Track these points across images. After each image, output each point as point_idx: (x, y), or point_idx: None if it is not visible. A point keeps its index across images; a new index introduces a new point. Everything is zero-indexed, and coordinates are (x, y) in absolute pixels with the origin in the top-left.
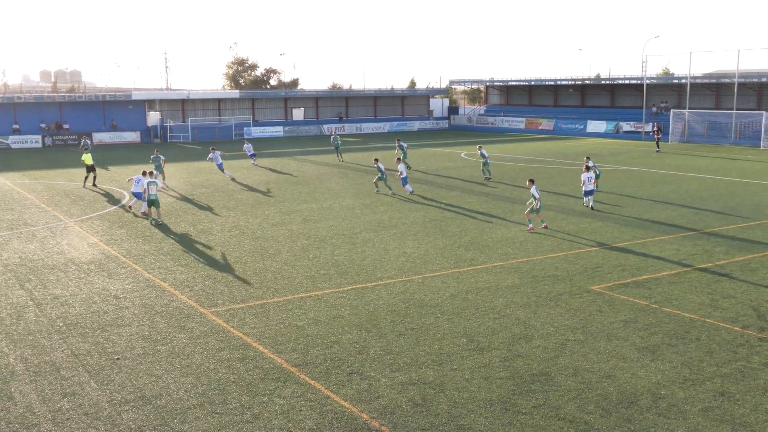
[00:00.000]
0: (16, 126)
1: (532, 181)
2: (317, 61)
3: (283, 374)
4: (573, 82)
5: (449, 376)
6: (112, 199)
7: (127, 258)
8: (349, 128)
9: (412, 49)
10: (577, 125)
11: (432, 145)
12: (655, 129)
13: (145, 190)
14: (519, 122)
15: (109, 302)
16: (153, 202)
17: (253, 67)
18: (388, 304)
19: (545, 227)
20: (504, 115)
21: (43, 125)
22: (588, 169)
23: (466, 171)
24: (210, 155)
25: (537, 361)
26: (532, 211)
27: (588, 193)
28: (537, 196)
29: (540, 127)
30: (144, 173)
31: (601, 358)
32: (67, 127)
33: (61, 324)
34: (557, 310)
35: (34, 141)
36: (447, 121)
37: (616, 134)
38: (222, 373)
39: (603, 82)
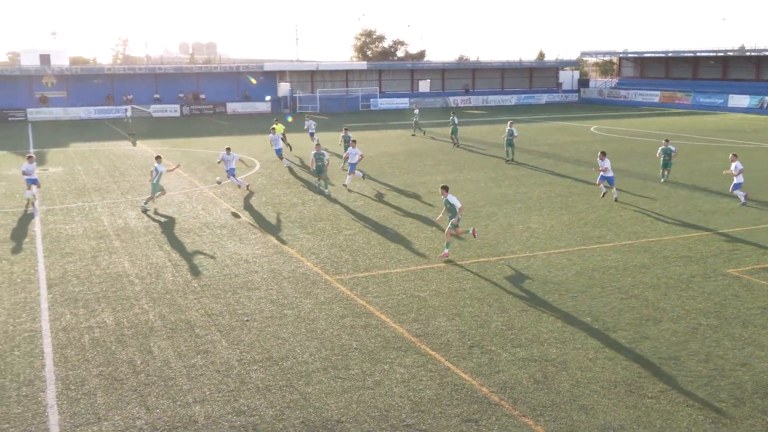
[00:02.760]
0: (157, 96)
1: (446, 189)
2: (444, 33)
3: (404, 343)
4: (714, 54)
5: (572, 355)
6: (244, 167)
7: (257, 224)
8: (475, 100)
9: (542, 21)
10: (716, 99)
11: (560, 119)
12: None
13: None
14: (653, 96)
15: (240, 266)
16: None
17: (381, 38)
18: (511, 279)
19: (473, 233)
20: (637, 89)
21: (181, 95)
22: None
23: (595, 146)
24: (306, 123)
25: (666, 345)
26: (453, 227)
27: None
28: (458, 205)
29: (676, 101)
30: (228, 150)
31: (736, 344)
32: (203, 97)
33: (195, 285)
34: (689, 293)
35: (173, 110)
36: (576, 94)
37: (761, 109)
38: (345, 339)
39: (748, 53)
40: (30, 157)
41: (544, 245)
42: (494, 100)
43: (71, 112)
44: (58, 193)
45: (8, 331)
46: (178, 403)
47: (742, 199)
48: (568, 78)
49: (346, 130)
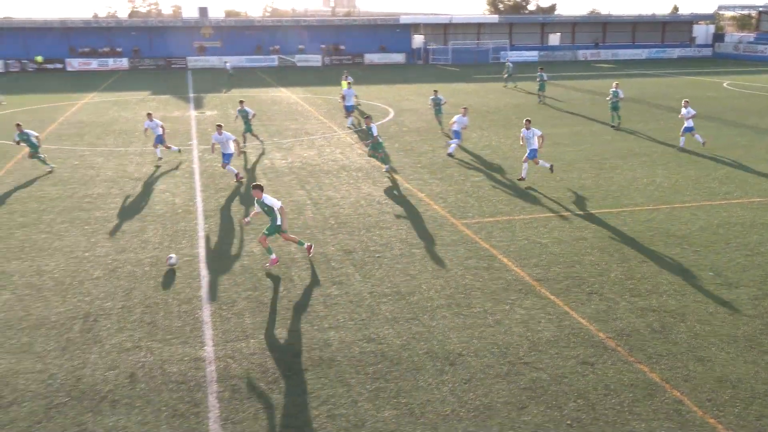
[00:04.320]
0: (301, 46)
1: (259, 189)
2: None
3: (524, 287)
4: None
5: (692, 308)
6: (380, 115)
7: (390, 168)
8: (604, 54)
9: None
10: None
11: (693, 74)
12: None
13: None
14: None
15: (373, 206)
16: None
17: None
18: (633, 230)
19: (309, 250)
20: None
21: (323, 46)
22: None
23: (728, 102)
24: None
25: None
26: (269, 233)
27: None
28: (277, 205)
29: None
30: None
31: None
32: (343, 48)
33: (333, 222)
34: None
35: (314, 60)
36: (710, 48)
37: None
38: (468, 279)
39: None
40: (219, 126)
41: (668, 199)
42: (624, 54)
43: (225, 60)
44: (213, 134)
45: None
46: (315, 327)
47: None
48: (702, 32)
49: (436, 92)
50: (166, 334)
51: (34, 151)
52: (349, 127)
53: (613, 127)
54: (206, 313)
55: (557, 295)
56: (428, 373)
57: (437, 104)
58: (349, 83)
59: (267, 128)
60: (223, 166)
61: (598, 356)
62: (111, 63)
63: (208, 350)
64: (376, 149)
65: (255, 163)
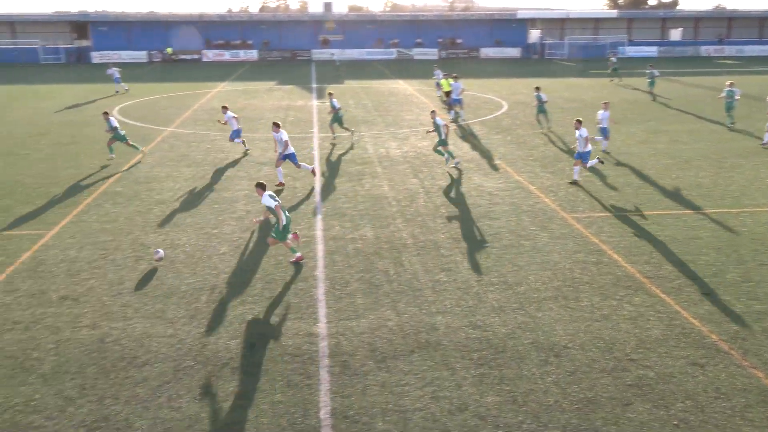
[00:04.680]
0: (419, 40)
1: (262, 187)
2: None
3: (634, 283)
4: None
5: None
6: (493, 107)
7: (501, 161)
8: (729, 50)
9: None
10: None
11: None
12: None
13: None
14: None
15: (483, 197)
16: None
17: None
18: (753, 232)
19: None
20: None
21: (440, 40)
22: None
23: None
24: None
25: None
26: (279, 235)
27: None
28: (273, 205)
29: None
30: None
31: None
32: (460, 42)
33: (443, 211)
34: None
35: (431, 53)
36: None
37: None
38: (577, 273)
39: None
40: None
41: None
42: (751, 50)
43: (347, 53)
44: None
45: (290, 236)
46: (424, 311)
47: None
48: None
49: (538, 89)
50: (284, 309)
51: (118, 138)
52: (452, 120)
53: (729, 127)
54: (320, 291)
55: (668, 294)
56: (532, 362)
57: (540, 102)
58: (455, 77)
59: (384, 118)
60: (277, 165)
61: (709, 358)
62: (242, 54)
63: (321, 327)
64: (442, 143)
65: (341, 155)
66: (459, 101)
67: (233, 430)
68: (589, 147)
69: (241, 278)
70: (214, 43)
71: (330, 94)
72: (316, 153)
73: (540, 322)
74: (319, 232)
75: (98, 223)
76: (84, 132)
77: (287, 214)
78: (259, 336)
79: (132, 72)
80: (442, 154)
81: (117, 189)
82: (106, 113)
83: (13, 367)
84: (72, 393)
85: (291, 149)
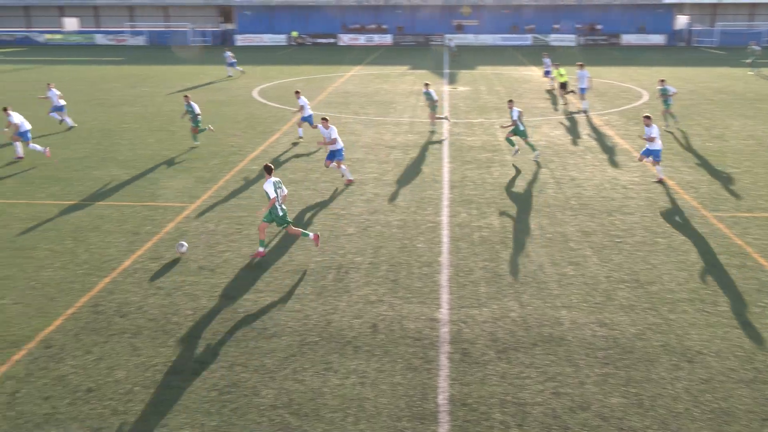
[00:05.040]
0: (556, 26)
1: (268, 170)
2: None
3: None
4: None
5: None
6: (632, 97)
7: (637, 153)
8: None
9: None
10: None
11: None
12: None
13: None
14: None
15: (617, 190)
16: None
17: None
18: None
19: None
20: None
21: (578, 26)
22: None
23: None
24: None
25: None
26: (272, 220)
27: None
28: (271, 196)
29: None
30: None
31: None
32: (599, 28)
33: (574, 203)
34: None
35: (569, 40)
36: None
37: None
38: (716, 275)
39: None
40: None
41: None
42: None
43: (481, 38)
44: (464, 109)
45: (417, 220)
46: (548, 304)
47: None
48: None
49: (662, 81)
50: (407, 292)
51: (195, 126)
52: (584, 111)
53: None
54: (444, 277)
55: None
56: (662, 366)
57: (665, 95)
58: (580, 65)
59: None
60: (326, 165)
61: None
62: (376, 39)
63: (444, 312)
64: (522, 135)
65: (436, 141)
66: (584, 90)
67: (353, 407)
68: (658, 145)
69: (366, 259)
70: (350, 27)
71: (426, 84)
72: (446, 139)
73: (673, 324)
74: (445, 218)
75: (235, 199)
76: (222, 111)
77: (284, 208)
78: (382, 317)
79: (273, 54)
80: (513, 144)
81: (252, 167)
82: (186, 96)
83: (156, 329)
84: (206, 357)
85: (340, 144)
